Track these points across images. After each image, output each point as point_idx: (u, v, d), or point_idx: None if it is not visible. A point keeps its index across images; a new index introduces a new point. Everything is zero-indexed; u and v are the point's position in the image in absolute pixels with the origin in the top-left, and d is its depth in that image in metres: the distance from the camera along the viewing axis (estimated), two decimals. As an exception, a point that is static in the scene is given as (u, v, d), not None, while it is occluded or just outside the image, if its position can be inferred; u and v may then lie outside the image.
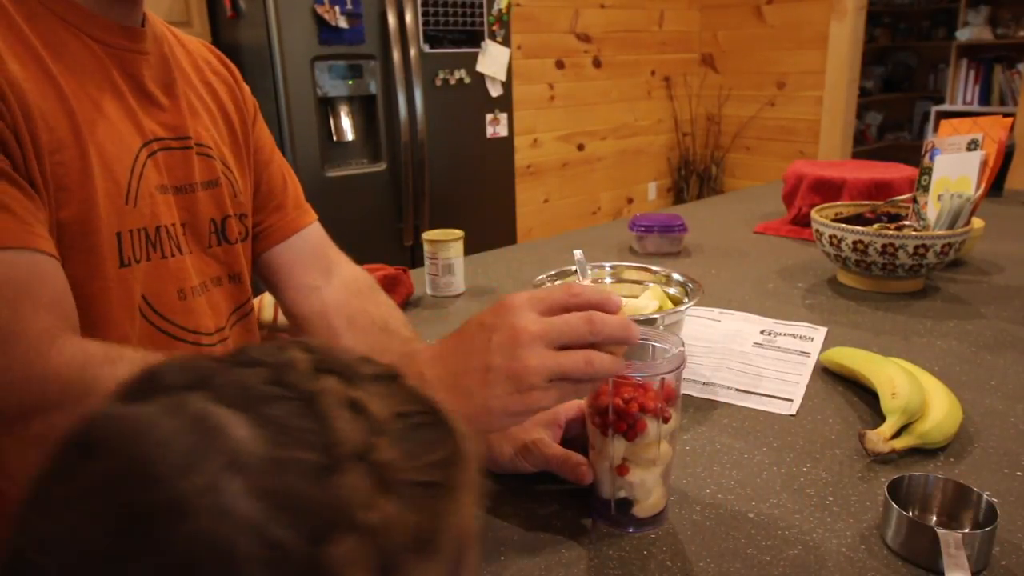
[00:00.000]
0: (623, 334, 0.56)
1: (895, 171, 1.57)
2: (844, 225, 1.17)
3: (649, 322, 0.83)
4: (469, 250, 1.31)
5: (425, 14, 2.54)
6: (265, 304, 1.09)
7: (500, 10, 2.73)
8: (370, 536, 0.28)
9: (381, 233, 2.58)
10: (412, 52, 2.48)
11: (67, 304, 0.52)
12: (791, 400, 0.86)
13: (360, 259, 0.97)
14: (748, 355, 0.98)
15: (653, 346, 0.65)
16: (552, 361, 0.54)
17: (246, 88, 0.86)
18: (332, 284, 0.88)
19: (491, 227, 2.86)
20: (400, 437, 0.31)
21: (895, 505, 0.60)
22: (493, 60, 2.76)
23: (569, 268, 0.94)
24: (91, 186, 0.60)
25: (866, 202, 1.38)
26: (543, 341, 0.54)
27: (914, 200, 1.26)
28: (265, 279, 0.90)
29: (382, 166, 2.55)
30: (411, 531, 0.29)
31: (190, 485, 0.27)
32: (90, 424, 0.30)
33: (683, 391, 0.65)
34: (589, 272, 0.91)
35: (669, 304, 0.93)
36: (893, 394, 0.77)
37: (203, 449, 0.27)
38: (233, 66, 0.86)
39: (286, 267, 0.87)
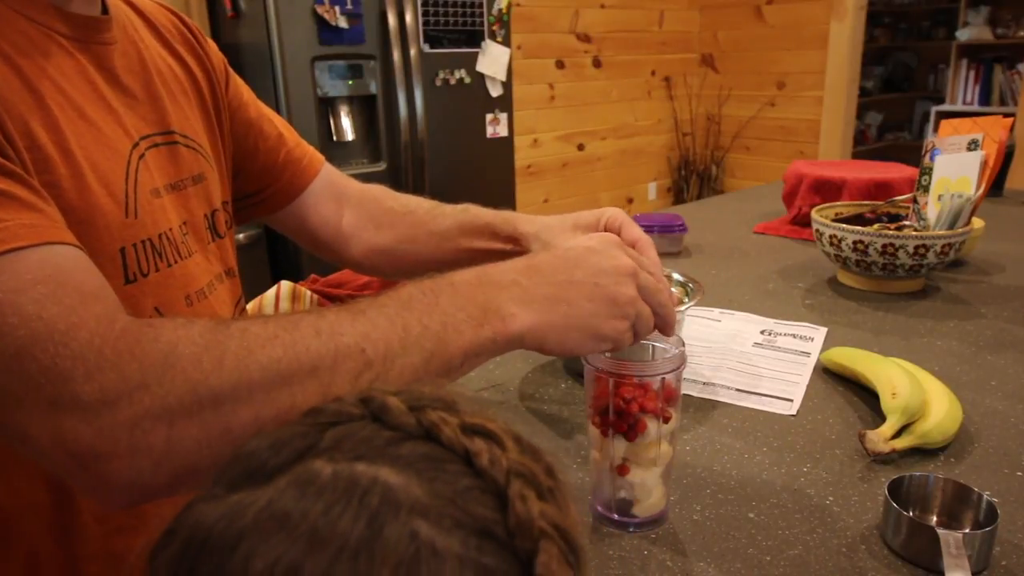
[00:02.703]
0: (673, 320, 0.62)
1: (895, 171, 1.57)
2: (844, 225, 1.17)
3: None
4: (469, 250, 1.31)
5: (425, 14, 2.54)
6: (265, 304, 1.09)
7: (500, 10, 2.73)
8: (558, 539, 0.29)
9: (381, 233, 2.58)
10: (412, 52, 2.48)
11: (110, 292, 0.49)
12: (791, 400, 0.86)
13: (360, 259, 0.97)
14: (748, 355, 0.98)
15: (653, 346, 0.65)
16: (639, 302, 0.58)
17: (211, 46, 0.80)
18: (351, 207, 0.92)
19: (491, 227, 2.86)
20: (519, 448, 0.32)
21: (895, 505, 0.60)
22: (493, 60, 2.76)
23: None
24: (89, 206, 0.56)
25: (866, 202, 1.38)
26: (635, 281, 0.58)
27: (914, 200, 1.26)
28: (291, 232, 0.91)
29: (382, 166, 2.56)
30: (574, 528, 0.30)
31: (392, 542, 0.26)
32: (214, 525, 0.27)
33: (683, 391, 0.65)
34: None
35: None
36: (893, 394, 0.77)
37: (375, 506, 0.26)
38: (195, 26, 0.80)
39: (311, 216, 0.89)
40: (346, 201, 0.92)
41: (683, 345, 0.63)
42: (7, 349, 0.43)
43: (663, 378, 0.60)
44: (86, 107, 0.58)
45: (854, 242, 1.15)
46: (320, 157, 0.91)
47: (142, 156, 0.64)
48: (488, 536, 0.28)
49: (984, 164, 1.17)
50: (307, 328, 0.48)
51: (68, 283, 0.46)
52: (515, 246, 0.81)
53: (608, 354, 0.61)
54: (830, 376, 0.92)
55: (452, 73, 2.67)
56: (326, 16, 2.30)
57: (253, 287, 1.03)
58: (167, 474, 0.44)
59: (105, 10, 0.65)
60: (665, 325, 0.61)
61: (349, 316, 0.49)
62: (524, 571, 0.28)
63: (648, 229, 1.47)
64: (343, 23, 2.34)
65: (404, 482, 0.28)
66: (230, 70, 0.83)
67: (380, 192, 0.94)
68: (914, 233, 1.13)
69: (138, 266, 0.60)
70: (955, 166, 1.19)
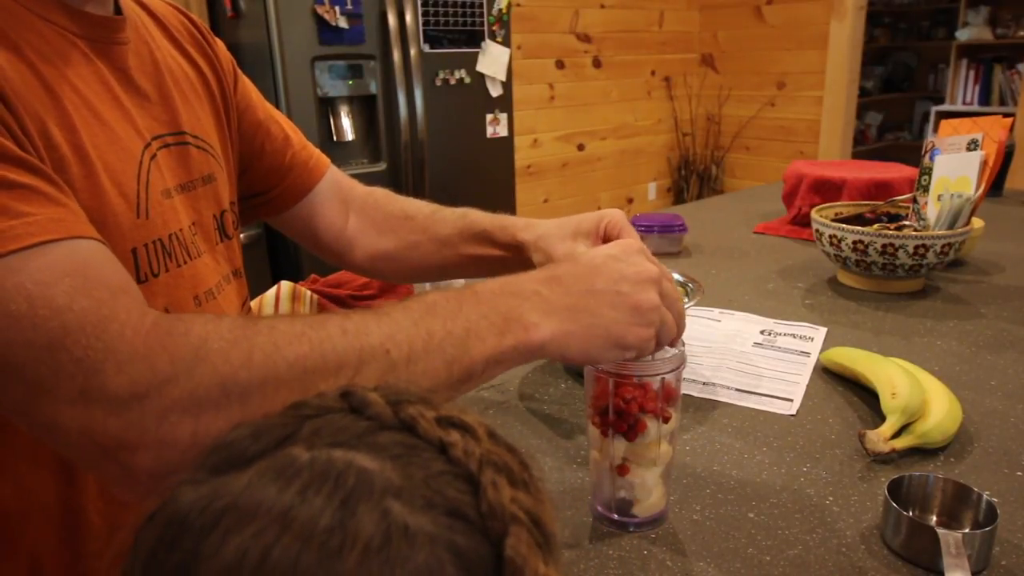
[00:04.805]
0: (683, 330, 0.62)
1: (895, 171, 1.57)
2: (844, 225, 1.17)
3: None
4: (469, 250, 1.31)
5: (425, 14, 2.54)
6: (265, 304, 1.09)
7: (500, 10, 2.73)
8: (529, 524, 0.30)
9: (381, 233, 2.58)
10: (412, 52, 2.48)
11: (136, 287, 0.50)
12: (791, 400, 0.86)
13: (360, 259, 0.97)
14: (748, 355, 0.98)
15: (653, 346, 0.65)
16: (662, 309, 0.58)
17: (219, 46, 0.81)
18: (355, 212, 0.92)
19: (491, 227, 2.86)
20: (493, 441, 0.33)
21: (895, 505, 0.60)
22: (493, 60, 2.76)
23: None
24: (101, 206, 0.56)
25: (866, 202, 1.38)
26: (658, 288, 0.58)
27: (914, 200, 1.26)
28: (295, 234, 0.92)
29: (382, 166, 2.56)
30: (546, 516, 0.31)
31: (364, 521, 0.26)
32: (192, 507, 0.27)
33: (683, 391, 0.65)
34: None
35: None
36: (893, 394, 0.77)
37: (349, 488, 0.27)
38: (203, 25, 0.80)
39: (316, 218, 0.89)
40: (351, 205, 0.92)
41: (683, 345, 0.63)
42: (38, 340, 0.43)
43: (663, 378, 0.60)
44: (100, 107, 0.59)
45: (854, 242, 1.15)
46: (326, 160, 0.91)
47: (153, 156, 0.64)
48: (460, 517, 0.28)
49: (984, 164, 1.17)
50: (334, 327, 0.48)
51: (96, 277, 0.47)
52: (514, 254, 0.82)
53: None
54: (830, 376, 0.92)
55: (452, 73, 2.67)
56: (326, 16, 2.30)
57: (253, 287, 1.03)
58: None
59: (118, 10, 0.65)
60: (681, 329, 0.61)
61: (375, 317, 0.50)
62: (494, 553, 0.28)
63: (648, 229, 1.47)
64: (343, 23, 2.34)
65: (379, 467, 0.28)
66: (239, 71, 0.83)
67: (382, 196, 0.94)
68: (914, 233, 1.13)
69: (149, 266, 0.61)
70: (955, 166, 1.19)
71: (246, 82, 0.84)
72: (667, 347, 0.64)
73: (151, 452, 0.43)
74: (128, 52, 0.65)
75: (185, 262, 0.65)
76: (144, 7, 0.72)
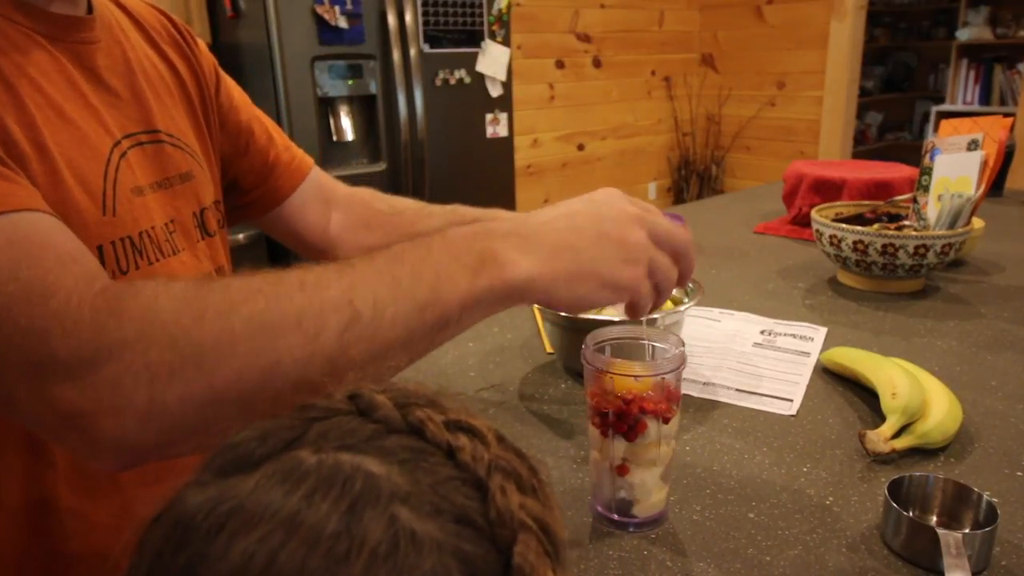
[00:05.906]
0: (693, 265, 0.61)
1: (895, 171, 1.57)
2: (844, 225, 1.17)
3: (649, 322, 0.83)
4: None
5: (425, 14, 2.54)
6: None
7: (500, 10, 2.73)
8: (538, 532, 0.29)
9: (381, 233, 2.58)
10: (412, 52, 2.48)
11: (90, 255, 0.48)
12: (791, 400, 0.86)
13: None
14: (748, 355, 0.98)
15: (653, 346, 0.65)
16: (652, 248, 0.57)
17: (201, 48, 0.80)
18: (339, 210, 0.92)
19: (491, 227, 2.86)
20: (502, 446, 0.32)
21: (895, 505, 0.60)
22: (493, 60, 2.76)
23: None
24: (63, 202, 0.55)
25: (866, 202, 1.38)
26: (644, 227, 0.57)
27: (914, 200, 1.26)
28: (279, 234, 0.92)
29: (382, 166, 2.56)
30: (555, 523, 0.31)
31: (371, 527, 0.26)
32: (198, 510, 0.27)
33: (683, 391, 0.65)
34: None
35: (669, 304, 0.92)
36: (893, 394, 0.77)
37: (356, 493, 0.27)
38: (184, 27, 0.79)
39: (298, 219, 0.89)
40: (334, 204, 0.92)
41: (683, 345, 0.63)
42: None
43: (663, 378, 0.60)
44: (65, 106, 0.58)
45: (854, 242, 1.15)
46: (309, 161, 0.91)
47: (124, 155, 0.63)
48: (467, 523, 0.28)
49: (984, 164, 1.17)
50: (292, 282, 0.47)
51: (45, 245, 0.46)
52: None
53: (617, 307, 0.60)
54: (830, 376, 0.92)
55: (452, 73, 2.67)
56: (326, 16, 2.30)
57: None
58: (154, 432, 0.43)
59: (90, 10, 0.65)
60: (687, 271, 0.60)
61: (336, 269, 0.49)
62: (503, 560, 0.28)
63: (648, 229, 1.47)
64: (343, 23, 2.34)
65: (386, 471, 0.28)
66: (220, 72, 0.83)
67: (368, 195, 0.94)
68: (914, 233, 1.13)
69: (116, 264, 0.60)
70: (955, 166, 1.19)
71: (229, 84, 0.84)
72: (666, 345, 0.64)
73: (109, 418, 0.42)
74: (97, 51, 0.64)
75: (157, 260, 0.65)
76: (121, 7, 0.72)
